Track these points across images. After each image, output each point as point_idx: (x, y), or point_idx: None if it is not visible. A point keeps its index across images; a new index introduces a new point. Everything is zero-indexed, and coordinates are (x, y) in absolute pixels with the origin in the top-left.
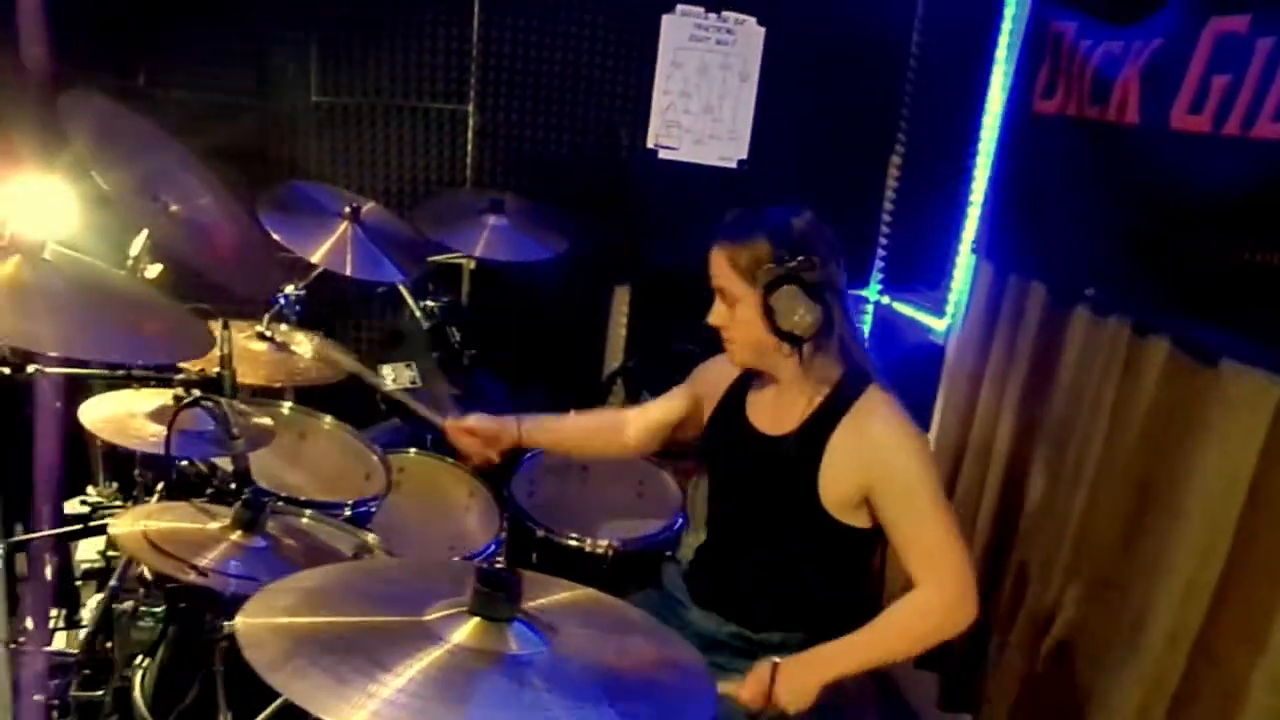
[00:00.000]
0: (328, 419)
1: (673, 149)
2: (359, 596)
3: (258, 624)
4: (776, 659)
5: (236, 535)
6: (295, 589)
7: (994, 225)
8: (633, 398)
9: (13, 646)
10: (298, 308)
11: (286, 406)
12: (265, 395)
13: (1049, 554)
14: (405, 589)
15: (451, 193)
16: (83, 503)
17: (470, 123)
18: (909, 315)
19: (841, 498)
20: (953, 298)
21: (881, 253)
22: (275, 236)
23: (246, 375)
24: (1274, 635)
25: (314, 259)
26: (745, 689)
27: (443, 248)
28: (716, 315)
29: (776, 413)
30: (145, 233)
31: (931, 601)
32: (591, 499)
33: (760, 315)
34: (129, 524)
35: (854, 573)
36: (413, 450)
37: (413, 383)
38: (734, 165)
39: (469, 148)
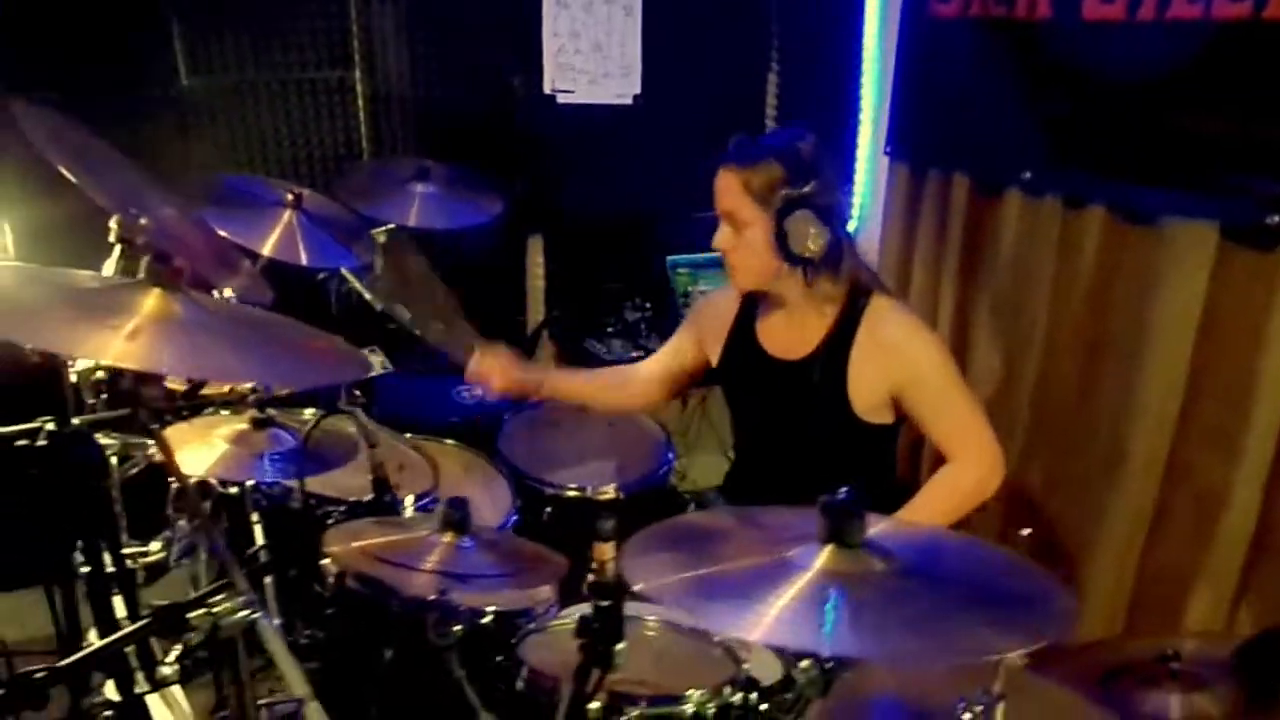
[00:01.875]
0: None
1: (569, 92)
2: (716, 546)
3: (658, 584)
4: None
5: (448, 538)
6: (652, 551)
7: (905, 128)
8: (563, 349)
9: None
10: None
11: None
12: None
13: (1010, 418)
14: (743, 537)
15: (372, 165)
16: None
17: (359, 89)
18: None
19: (871, 402)
20: (857, 200)
21: None
22: (223, 234)
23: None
24: (1244, 440)
25: (265, 251)
26: None
27: (376, 222)
28: (722, 239)
29: (790, 337)
30: (118, 250)
31: (967, 474)
32: (569, 448)
33: (771, 239)
34: (341, 544)
35: (884, 464)
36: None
37: (384, 367)
38: (629, 101)
39: (361, 115)
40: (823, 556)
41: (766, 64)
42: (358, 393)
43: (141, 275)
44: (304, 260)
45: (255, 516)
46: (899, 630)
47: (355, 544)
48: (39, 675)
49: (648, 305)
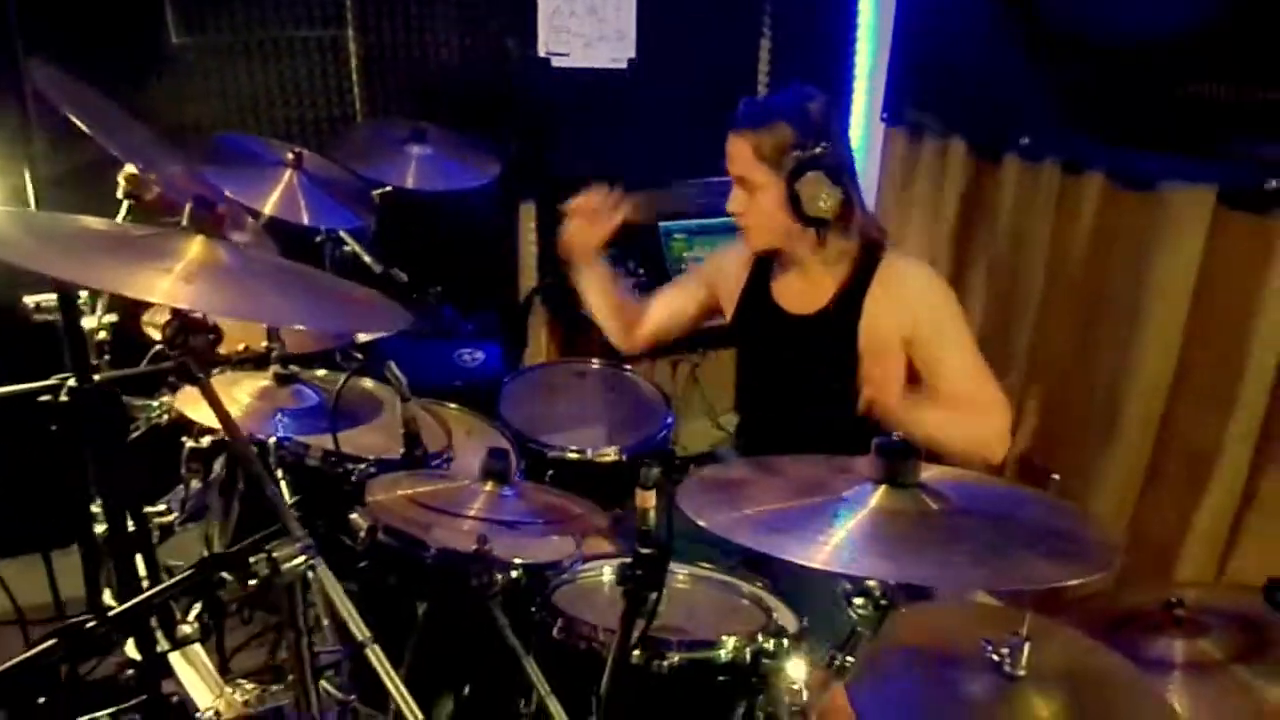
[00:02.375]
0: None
1: (564, 55)
2: (761, 490)
3: (723, 519)
4: None
5: (489, 487)
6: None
7: (902, 93)
8: (555, 315)
9: None
10: None
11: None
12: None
13: (1006, 381)
14: (783, 483)
15: (368, 126)
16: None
17: (352, 49)
18: None
19: (882, 350)
20: None
21: None
22: (226, 192)
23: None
24: (1237, 400)
25: (265, 209)
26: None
27: (375, 184)
28: (735, 202)
29: (805, 292)
30: (126, 205)
31: (987, 419)
32: (569, 411)
33: (784, 201)
34: (384, 493)
35: None
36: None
37: None
38: (624, 66)
39: (354, 76)
40: (877, 495)
41: (759, 30)
42: (357, 354)
43: (184, 222)
44: (305, 220)
45: (280, 473)
46: (963, 560)
47: (400, 492)
48: (91, 625)
49: (642, 271)
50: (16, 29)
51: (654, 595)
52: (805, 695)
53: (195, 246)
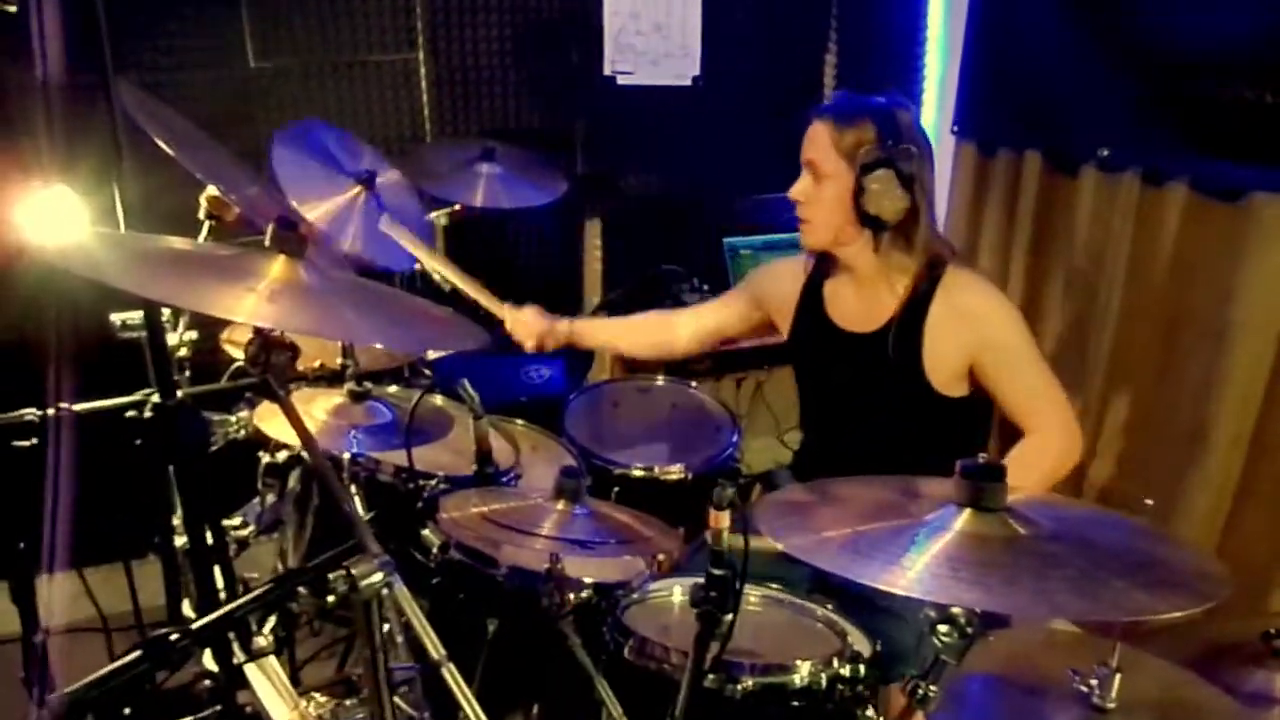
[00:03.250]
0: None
1: (629, 73)
2: (838, 512)
3: (802, 542)
4: None
5: (561, 505)
6: (790, 515)
7: (974, 106)
8: None
9: None
10: None
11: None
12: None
13: (1084, 398)
14: (859, 505)
15: (439, 146)
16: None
17: (423, 71)
18: None
19: (947, 373)
20: None
21: None
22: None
23: (318, 360)
24: None
25: (312, 216)
26: None
27: (442, 203)
28: (800, 188)
29: (861, 309)
30: (207, 225)
31: (1048, 445)
32: (633, 428)
33: (848, 196)
34: (457, 510)
35: (968, 440)
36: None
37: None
38: (688, 83)
39: (424, 98)
40: (962, 519)
41: (824, 43)
42: (426, 371)
43: (267, 242)
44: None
45: (353, 489)
46: (1059, 589)
47: (473, 510)
48: (175, 637)
49: (705, 288)
50: (108, 51)
51: (728, 617)
52: None
53: (277, 266)
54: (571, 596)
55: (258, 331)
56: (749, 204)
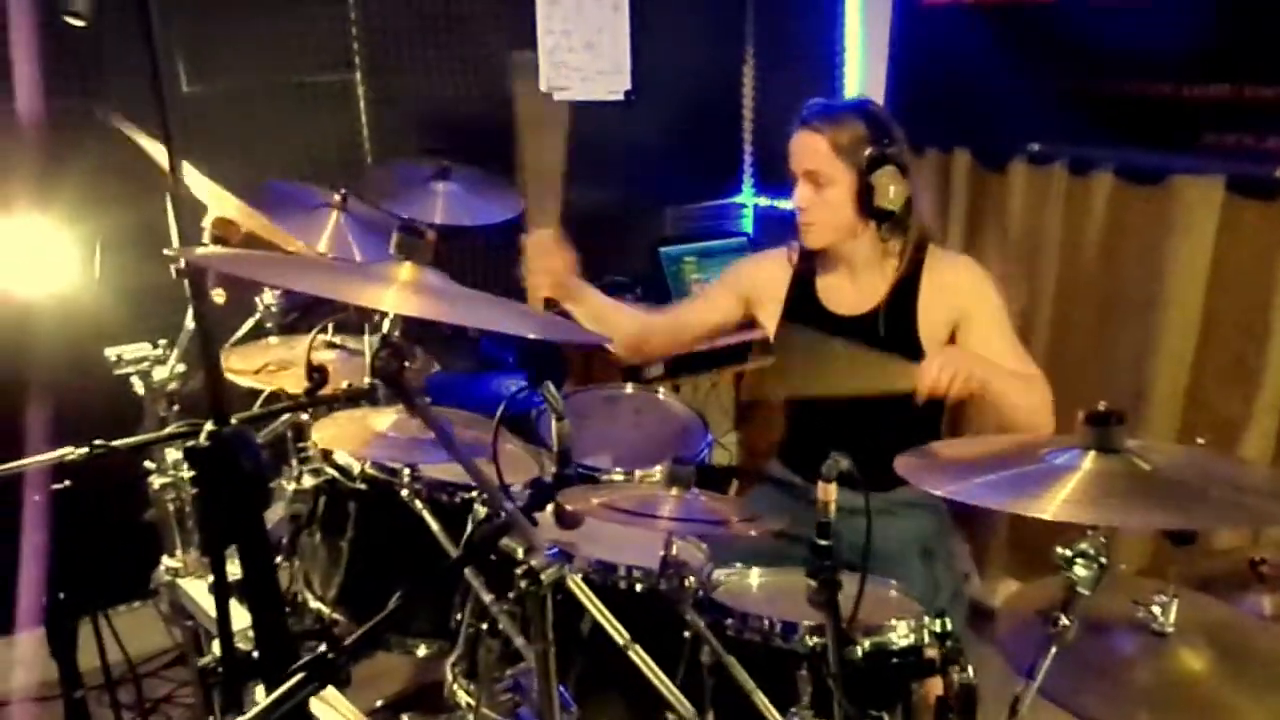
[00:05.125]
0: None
1: (564, 89)
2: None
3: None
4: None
5: (674, 492)
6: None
7: (902, 111)
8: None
9: None
10: (292, 314)
11: None
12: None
13: None
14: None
15: (394, 165)
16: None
17: (361, 91)
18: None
19: (937, 343)
20: None
21: (749, 158)
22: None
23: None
24: (1261, 372)
25: (320, 248)
26: (927, 376)
27: (401, 222)
28: (802, 197)
29: (855, 292)
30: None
31: (1037, 384)
32: (604, 435)
33: (853, 195)
34: (579, 503)
35: (940, 407)
36: None
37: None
38: (620, 97)
39: (363, 119)
40: (1089, 460)
41: (741, 57)
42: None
43: (392, 249)
44: (358, 257)
45: (419, 505)
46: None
47: (594, 500)
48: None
49: (647, 298)
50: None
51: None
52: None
53: (406, 270)
54: (690, 581)
55: (385, 341)
56: (681, 214)
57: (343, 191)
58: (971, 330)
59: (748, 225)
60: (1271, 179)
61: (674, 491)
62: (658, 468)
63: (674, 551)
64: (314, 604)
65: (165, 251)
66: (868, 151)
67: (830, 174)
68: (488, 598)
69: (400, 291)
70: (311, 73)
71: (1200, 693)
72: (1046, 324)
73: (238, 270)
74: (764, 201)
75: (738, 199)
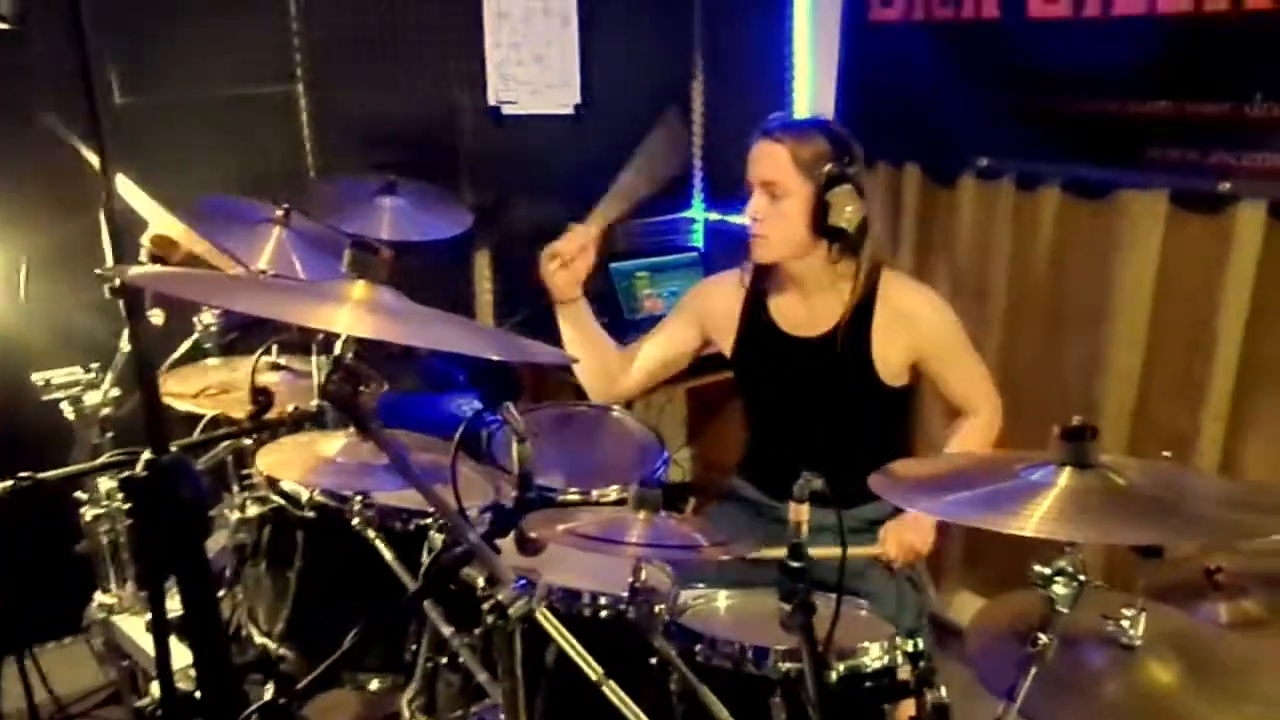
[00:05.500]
0: None
1: (513, 103)
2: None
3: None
4: (892, 523)
5: (642, 515)
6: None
7: (853, 124)
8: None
9: None
10: (231, 334)
11: None
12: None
13: None
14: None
15: (339, 180)
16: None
17: (303, 104)
18: (745, 224)
19: (895, 367)
20: None
21: (699, 172)
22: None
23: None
24: (1208, 384)
25: (262, 265)
26: (890, 548)
27: (352, 238)
28: (757, 208)
29: (807, 314)
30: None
31: (992, 419)
32: (556, 455)
33: (808, 211)
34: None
35: (903, 426)
36: None
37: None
38: (570, 111)
39: (306, 132)
40: (1064, 476)
41: (690, 72)
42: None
43: (344, 267)
44: (301, 274)
45: (371, 533)
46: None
47: (560, 526)
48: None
49: (604, 319)
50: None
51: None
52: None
53: (359, 290)
54: (659, 608)
55: (339, 364)
56: (632, 229)
57: (285, 207)
58: (935, 363)
59: (698, 240)
60: (1214, 192)
61: (642, 515)
62: (614, 487)
63: (643, 577)
64: (259, 639)
65: (98, 271)
66: (827, 168)
67: (788, 186)
68: (447, 630)
69: (355, 312)
70: (252, 85)
71: (1170, 705)
72: (996, 337)
73: (180, 291)
74: (715, 216)
75: (688, 213)
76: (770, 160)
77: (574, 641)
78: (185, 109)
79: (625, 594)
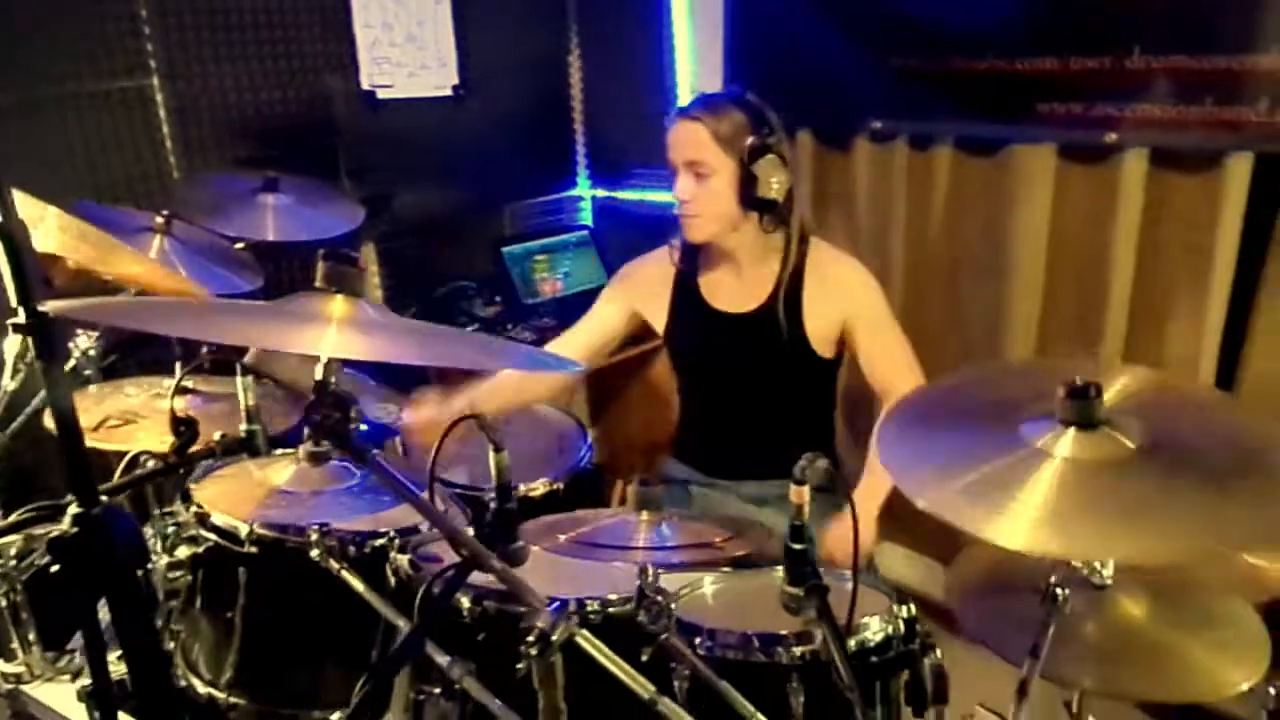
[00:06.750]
0: None
1: (388, 87)
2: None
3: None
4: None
5: (645, 516)
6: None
7: None
8: None
9: None
10: (110, 357)
11: None
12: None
13: None
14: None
15: (215, 178)
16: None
17: (160, 98)
18: (632, 199)
19: (825, 338)
20: None
21: (582, 149)
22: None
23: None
24: (1104, 331)
25: None
26: (832, 548)
27: (234, 240)
28: (684, 189)
29: (741, 290)
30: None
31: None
32: (476, 453)
33: (735, 185)
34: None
35: (831, 395)
36: None
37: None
38: (449, 93)
39: (165, 128)
40: (1068, 443)
41: (566, 47)
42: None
43: (318, 281)
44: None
45: (335, 565)
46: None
47: (560, 536)
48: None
49: (498, 298)
50: None
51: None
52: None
53: (339, 305)
54: (673, 606)
55: (320, 387)
56: (519, 210)
57: (165, 214)
58: (862, 334)
59: (587, 217)
60: (1100, 144)
61: (644, 516)
62: (541, 480)
63: (649, 579)
64: (203, 689)
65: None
66: (749, 140)
67: (712, 163)
68: (443, 660)
69: (341, 331)
70: (102, 80)
71: (1145, 638)
72: (899, 297)
73: (126, 322)
74: (601, 193)
75: (574, 191)
76: (691, 140)
77: (620, 661)
78: (29, 107)
79: (631, 596)
